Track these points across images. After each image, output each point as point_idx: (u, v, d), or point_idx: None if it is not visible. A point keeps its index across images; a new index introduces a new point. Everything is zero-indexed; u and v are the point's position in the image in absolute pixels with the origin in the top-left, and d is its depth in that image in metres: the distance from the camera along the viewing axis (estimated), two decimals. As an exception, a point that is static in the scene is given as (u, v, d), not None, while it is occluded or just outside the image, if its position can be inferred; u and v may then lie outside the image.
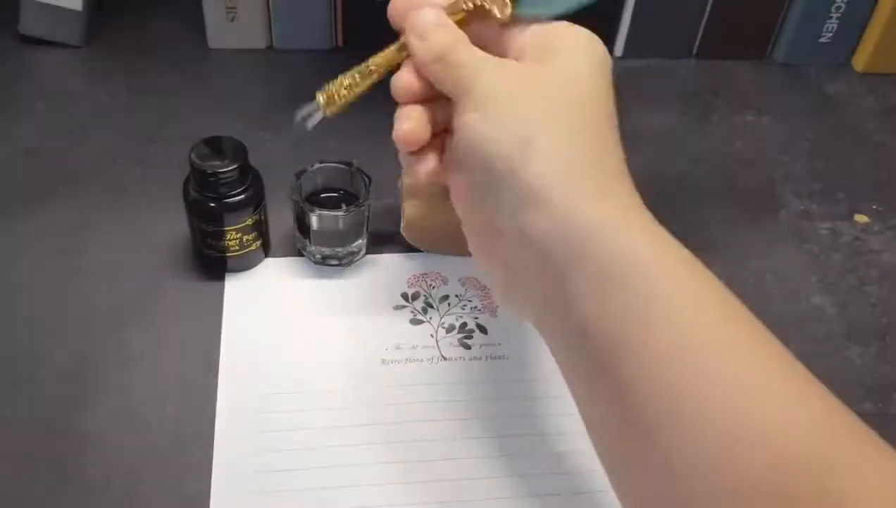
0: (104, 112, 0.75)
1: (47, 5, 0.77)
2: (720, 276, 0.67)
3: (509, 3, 0.46)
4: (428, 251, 0.65)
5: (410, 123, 0.48)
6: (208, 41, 0.81)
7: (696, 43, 0.85)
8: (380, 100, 0.78)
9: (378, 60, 0.54)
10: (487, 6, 0.46)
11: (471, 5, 0.46)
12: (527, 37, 0.44)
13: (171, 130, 0.74)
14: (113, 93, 0.77)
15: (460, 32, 0.45)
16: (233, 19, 0.80)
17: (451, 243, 0.64)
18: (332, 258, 0.63)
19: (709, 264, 0.66)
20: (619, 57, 0.85)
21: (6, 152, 0.71)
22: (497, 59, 0.44)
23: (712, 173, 0.74)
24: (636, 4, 0.81)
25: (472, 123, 0.43)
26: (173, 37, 0.83)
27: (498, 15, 0.46)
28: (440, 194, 0.62)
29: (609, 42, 0.85)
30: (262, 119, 0.75)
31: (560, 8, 0.46)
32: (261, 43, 0.82)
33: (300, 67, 0.81)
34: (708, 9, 0.82)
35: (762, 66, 0.86)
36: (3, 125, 0.73)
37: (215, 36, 0.81)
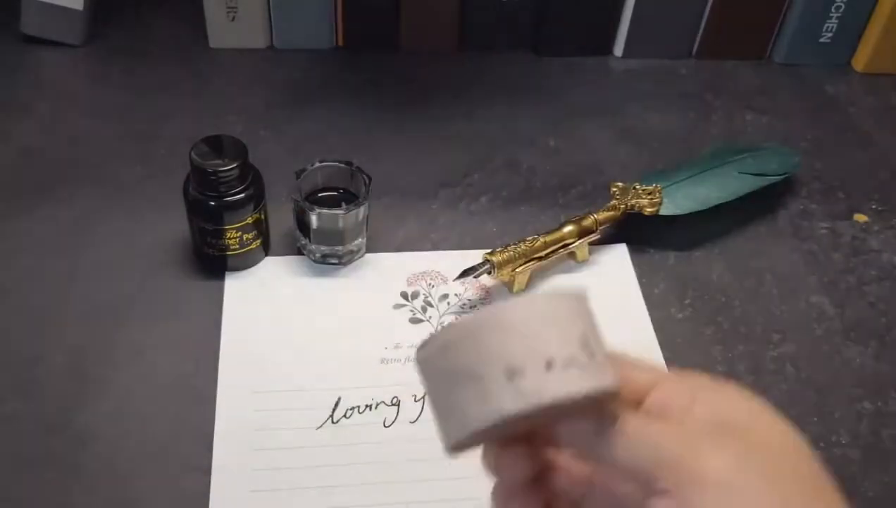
0: (105, 111, 0.75)
1: (49, 4, 0.78)
2: (721, 275, 0.67)
3: None
4: None
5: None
6: (209, 41, 0.81)
7: (696, 43, 0.85)
8: (380, 99, 0.79)
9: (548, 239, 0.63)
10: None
11: None
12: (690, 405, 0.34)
13: (171, 128, 0.74)
14: (114, 92, 0.77)
15: None
16: (233, 19, 0.80)
17: None
18: (331, 257, 0.64)
19: (709, 264, 0.67)
20: (619, 57, 0.85)
21: (6, 151, 0.71)
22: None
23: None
24: (636, 4, 0.81)
25: None
26: (174, 36, 0.83)
27: None
28: None
29: (609, 42, 0.85)
30: (263, 118, 0.76)
31: None
32: (261, 42, 0.82)
33: (301, 66, 0.81)
34: (708, 9, 0.83)
35: (762, 66, 0.86)
36: (3, 124, 0.73)
37: (216, 35, 0.81)
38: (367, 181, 0.62)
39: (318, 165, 0.63)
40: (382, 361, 0.59)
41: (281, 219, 0.65)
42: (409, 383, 0.58)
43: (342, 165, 0.63)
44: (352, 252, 0.64)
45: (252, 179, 0.59)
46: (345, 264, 0.64)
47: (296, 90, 0.79)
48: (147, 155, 0.71)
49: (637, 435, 0.33)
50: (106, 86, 0.78)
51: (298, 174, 0.62)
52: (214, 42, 0.82)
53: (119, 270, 0.63)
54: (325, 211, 0.60)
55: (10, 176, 0.69)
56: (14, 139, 0.72)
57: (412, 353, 0.59)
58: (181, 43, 0.82)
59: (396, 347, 0.60)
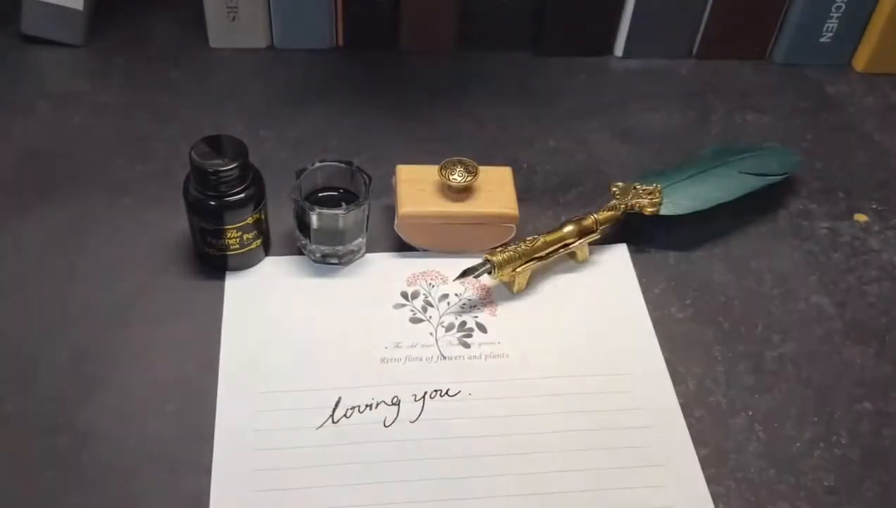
0: (105, 111, 0.75)
1: (49, 4, 0.78)
2: (721, 275, 0.67)
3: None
4: (421, 249, 0.65)
5: None
6: (209, 41, 0.82)
7: (696, 43, 0.85)
8: (380, 99, 0.79)
9: (548, 238, 0.64)
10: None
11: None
12: None
13: (172, 129, 0.74)
14: (114, 92, 0.77)
15: None
16: (234, 19, 0.80)
17: (445, 240, 0.65)
18: (331, 257, 0.64)
19: (710, 264, 0.67)
20: (619, 57, 0.85)
21: (7, 151, 0.71)
22: None
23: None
24: (636, 4, 0.81)
25: None
26: (174, 36, 0.83)
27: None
28: (436, 191, 0.63)
29: (610, 42, 0.85)
30: (263, 118, 0.76)
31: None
32: (261, 42, 0.82)
33: (301, 66, 0.81)
34: (708, 9, 0.83)
35: (762, 66, 0.86)
36: (3, 124, 0.73)
37: (216, 35, 0.81)
38: (367, 181, 0.62)
39: (317, 164, 0.63)
40: (383, 360, 0.59)
41: (281, 219, 0.65)
42: (409, 382, 0.58)
43: (342, 164, 0.63)
44: (352, 252, 0.64)
45: (252, 179, 0.59)
46: (345, 264, 0.64)
47: (296, 90, 0.79)
48: (147, 155, 0.71)
49: None
50: (106, 86, 0.78)
51: (298, 174, 0.62)
52: (215, 42, 0.82)
53: (119, 270, 0.63)
54: (325, 211, 0.60)
55: (11, 175, 0.69)
56: (14, 139, 0.72)
57: (412, 353, 0.60)
58: (181, 43, 0.82)
59: (397, 346, 0.60)
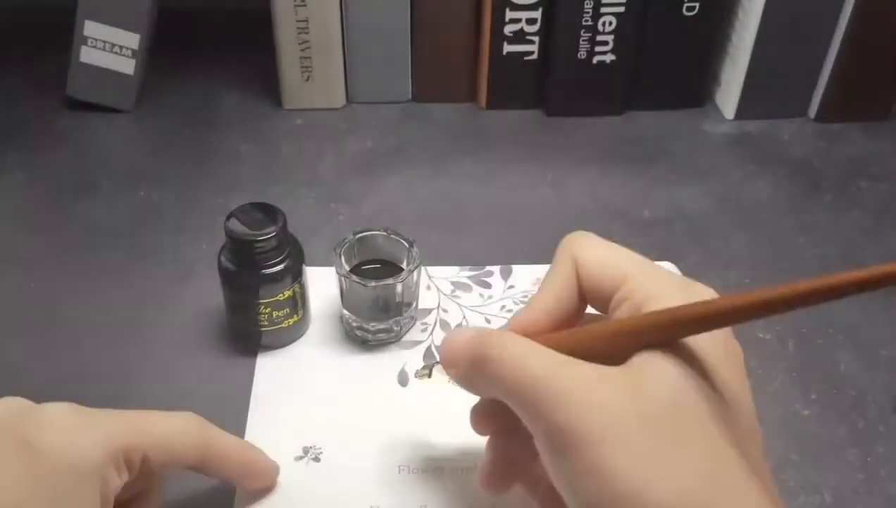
0: (167, 183, 0.69)
1: (98, 68, 0.74)
2: (850, 366, 0.55)
3: None
4: None
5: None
6: (283, 102, 0.77)
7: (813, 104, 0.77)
8: (462, 165, 0.70)
9: None
10: None
11: None
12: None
13: (238, 199, 0.64)
14: (176, 162, 0.72)
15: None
16: (308, 78, 0.75)
17: None
18: (383, 332, 0.56)
19: (836, 351, 0.56)
20: (727, 118, 0.77)
21: (70, 226, 0.66)
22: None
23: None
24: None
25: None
26: (236, 100, 0.78)
27: None
28: None
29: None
30: (336, 190, 0.69)
31: None
32: (338, 102, 0.77)
33: (378, 125, 0.76)
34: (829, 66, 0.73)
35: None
36: (64, 201, 0.68)
37: (290, 96, 0.76)
38: (410, 245, 0.55)
39: (358, 235, 0.55)
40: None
41: (328, 295, 0.57)
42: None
43: (383, 233, 0.56)
44: (387, 331, 0.56)
45: (290, 251, 0.52)
46: (397, 340, 0.56)
47: (373, 159, 0.72)
48: (214, 229, 0.62)
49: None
50: (166, 155, 0.72)
51: (337, 249, 0.54)
52: (289, 103, 0.77)
53: (176, 351, 0.56)
54: (360, 281, 0.53)
55: (74, 250, 0.63)
56: (77, 215, 0.66)
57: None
58: (246, 107, 0.77)
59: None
